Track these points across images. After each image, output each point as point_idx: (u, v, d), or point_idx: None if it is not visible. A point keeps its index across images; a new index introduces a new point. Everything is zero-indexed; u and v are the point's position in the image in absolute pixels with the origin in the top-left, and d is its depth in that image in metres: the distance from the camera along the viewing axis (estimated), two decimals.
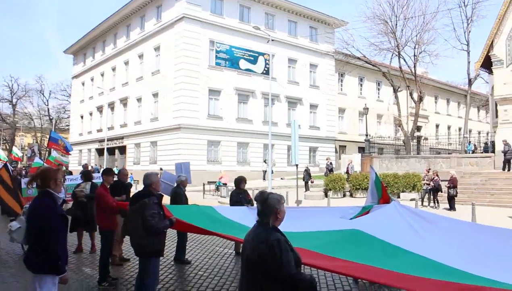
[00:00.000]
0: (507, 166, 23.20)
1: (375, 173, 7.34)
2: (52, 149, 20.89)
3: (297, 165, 21.01)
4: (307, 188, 27.14)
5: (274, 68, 34.70)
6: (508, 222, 13.16)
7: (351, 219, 6.22)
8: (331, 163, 32.51)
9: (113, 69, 45.67)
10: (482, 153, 30.94)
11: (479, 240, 5.09)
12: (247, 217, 6.75)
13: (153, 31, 38.20)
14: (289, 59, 40.31)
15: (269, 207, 3.46)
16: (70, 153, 21.80)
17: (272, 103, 31.26)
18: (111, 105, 44.71)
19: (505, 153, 23.30)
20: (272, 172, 32.58)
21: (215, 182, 28.30)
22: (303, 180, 27.05)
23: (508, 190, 20.85)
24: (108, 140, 42.37)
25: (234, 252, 10.07)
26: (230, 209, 8.52)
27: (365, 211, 6.57)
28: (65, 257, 4.42)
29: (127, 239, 7.71)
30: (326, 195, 24.20)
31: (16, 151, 41.85)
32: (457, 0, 50.53)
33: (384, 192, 7.03)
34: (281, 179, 33.63)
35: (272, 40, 30.31)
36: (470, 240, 5.02)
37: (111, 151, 44.01)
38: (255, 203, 3.74)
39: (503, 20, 25.98)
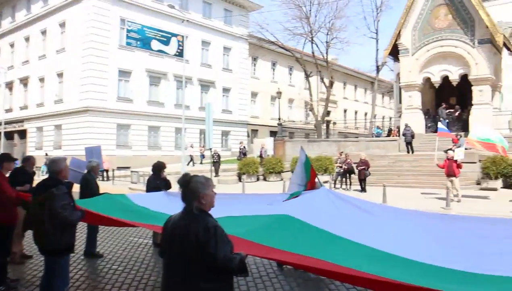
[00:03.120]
0: (410, 149, 24.47)
1: (305, 155, 7.14)
2: None
3: (211, 149, 20.71)
4: (216, 173, 26.69)
5: (187, 51, 33.84)
6: (416, 202, 13.76)
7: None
8: (244, 147, 32.56)
9: (11, 46, 42.08)
10: (386, 136, 32.60)
11: (419, 226, 4.96)
12: (165, 203, 6.21)
13: (58, 5, 35.46)
14: (203, 42, 39.52)
15: (192, 191, 3.15)
16: None
17: (185, 86, 30.46)
18: (9, 85, 41.34)
19: (405, 135, 24.60)
20: (204, 157, 32.31)
21: (125, 167, 27.17)
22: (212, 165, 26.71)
23: (413, 171, 22.01)
24: (5, 123, 39.21)
25: (151, 242, 9.42)
26: (145, 196, 7.90)
27: (293, 196, 6.29)
28: None
29: (28, 234, 6.88)
30: (240, 179, 24.11)
31: None
32: None
33: (312, 175, 6.83)
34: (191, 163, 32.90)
35: (186, 21, 29.46)
36: (409, 227, 4.86)
37: (9, 135, 40.80)
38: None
39: (409, 11, 27.39)
